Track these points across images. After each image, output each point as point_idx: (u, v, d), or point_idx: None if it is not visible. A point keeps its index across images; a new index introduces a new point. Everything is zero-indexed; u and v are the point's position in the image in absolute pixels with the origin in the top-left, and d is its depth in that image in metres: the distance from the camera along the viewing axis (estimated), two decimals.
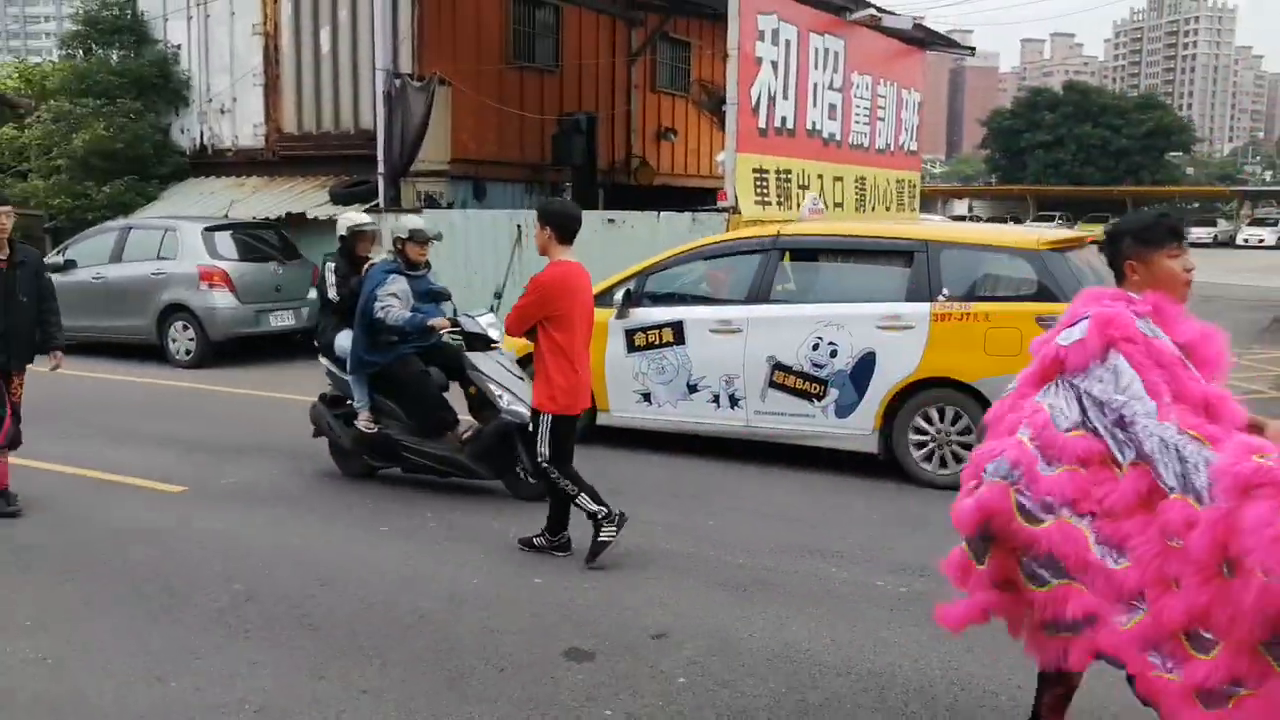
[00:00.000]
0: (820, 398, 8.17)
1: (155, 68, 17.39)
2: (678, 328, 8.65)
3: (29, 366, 7.23)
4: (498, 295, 8.36)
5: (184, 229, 13.90)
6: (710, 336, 8.55)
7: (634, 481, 7.71)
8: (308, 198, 15.70)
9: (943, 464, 7.87)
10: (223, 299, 13.46)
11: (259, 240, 14.44)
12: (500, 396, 7.35)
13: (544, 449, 6.11)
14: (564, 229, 6.04)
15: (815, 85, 14.13)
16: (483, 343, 7.52)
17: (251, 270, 13.81)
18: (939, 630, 5.14)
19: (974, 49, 24.39)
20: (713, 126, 20.21)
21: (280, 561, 6.12)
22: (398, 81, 14.69)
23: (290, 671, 4.65)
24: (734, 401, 8.50)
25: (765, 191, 12.90)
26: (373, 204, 14.75)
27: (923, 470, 7.92)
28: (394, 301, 7.34)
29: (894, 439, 8.02)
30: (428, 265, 7.85)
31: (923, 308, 7.88)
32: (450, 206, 15.45)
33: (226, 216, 15.12)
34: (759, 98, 12.74)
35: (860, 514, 7.20)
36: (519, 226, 13.36)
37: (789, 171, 13.47)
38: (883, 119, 16.58)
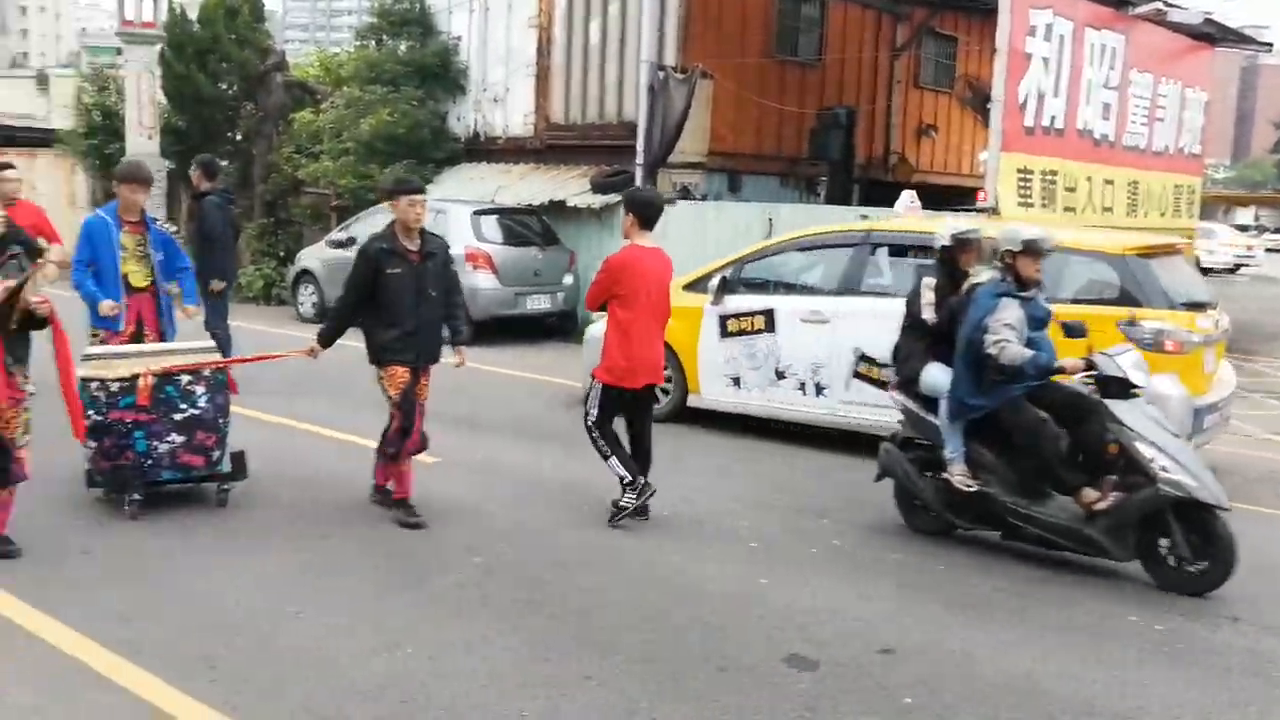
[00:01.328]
0: None
1: (437, 58, 18.30)
2: (769, 315, 8.91)
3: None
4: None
5: (454, 212, 14.55)
6: (800, 325, 8.79)
7: (875, 488, 7.08)
8: (569, 186, 16.16)
9: None
10: (486, 280, 14.06)
11: (522, 225, 15.02)
12: (1153, 460, 5.87)
13: (593, 411, 6.68)
14: (645, 216, 6.63)
15: (1089, 83, 13.39)
16: (1123, 388, 6.05)
17: (514, 254, 14.38)
18: (1196, 675, 4.82)
19: (1271, 45, 22.34)
20: (975, 124, 19.53)
21: (520, 539, 6.35)
22: (661, 73, 14.91)
23: (519, 650, 4.82)
24: (819, 390, 8.70)
25: (1029, 192, 12.34)
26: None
27: None
28: (1009, 334, 6.00)
29: None
30: (1039, 285, 6.37)
31: None
32: (705, 198, 15.57)
33: (493, 201, 15.76)
34: (1027, 95, 12.19)
35: None
36: (770, 220, 13.32)
37: (1055, 172, 12.83)
38: (1162, 119, 15.54)
